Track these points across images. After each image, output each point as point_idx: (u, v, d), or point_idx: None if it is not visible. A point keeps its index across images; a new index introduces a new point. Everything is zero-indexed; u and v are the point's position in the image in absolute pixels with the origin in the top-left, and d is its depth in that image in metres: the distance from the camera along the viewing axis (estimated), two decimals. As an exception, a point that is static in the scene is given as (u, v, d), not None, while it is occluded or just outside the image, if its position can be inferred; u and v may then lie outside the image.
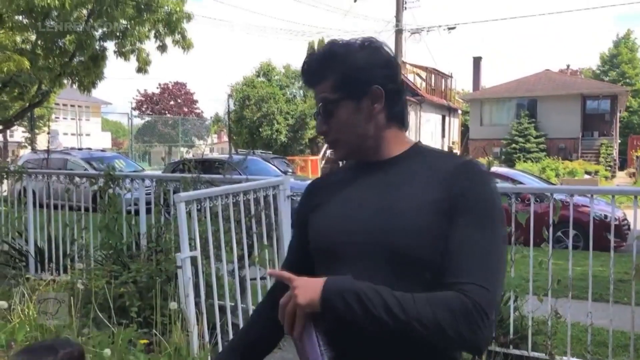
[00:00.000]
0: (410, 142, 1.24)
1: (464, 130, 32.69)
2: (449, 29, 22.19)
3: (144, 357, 3.00)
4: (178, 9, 11.50)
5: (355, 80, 1.16)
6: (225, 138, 30.19)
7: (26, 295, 3.65)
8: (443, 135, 31.87)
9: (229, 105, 23.28)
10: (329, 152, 26.93)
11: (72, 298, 3.58)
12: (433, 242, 1.07)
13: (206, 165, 9.14)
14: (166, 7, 11.42)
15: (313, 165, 22.48)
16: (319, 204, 1.26)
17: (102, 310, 3.54)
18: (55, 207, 5.43)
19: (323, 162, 25.61)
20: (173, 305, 3.09)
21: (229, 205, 3.70)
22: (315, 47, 20.68)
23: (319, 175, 22.31)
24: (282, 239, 4.15)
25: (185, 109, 44.38)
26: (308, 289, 1.04)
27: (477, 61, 32.94)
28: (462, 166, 1.14)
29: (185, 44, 12.74)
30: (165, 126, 35.31)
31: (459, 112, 34.89)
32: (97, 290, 3.69)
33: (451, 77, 34.47)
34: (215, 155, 22.53)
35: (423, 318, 0.99)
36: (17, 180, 5.83)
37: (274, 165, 13.53)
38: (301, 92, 26.29)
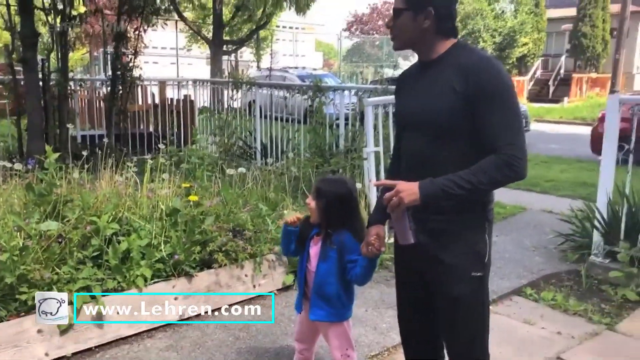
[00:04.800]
0: (452, 43, 1.71)
1: None
2: None
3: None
4: None
5: (418, 1, 1.68)
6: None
7: (255, 174, 4.85)
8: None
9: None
10: (538, 73, 25.03)
11: (286, 180, 4.69)
12: (457, 117, 1.63)
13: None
14: None
15: (519, 87, 21.14)
16: (399, 93, 1.90)
17: (307, 191, 4.57)
18: (275, 118, 6.68)
19: (531, 83, 23.97)
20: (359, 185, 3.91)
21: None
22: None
23: (524, 96, 21.08)
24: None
25: (393, 29, 44.45)
26: (410, 192, 1.60)
27: None
28: (478, 62, 1.63)
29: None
30: (372, 47, 36.28)
31: None
32: (304, 176, 4.73)
33: None
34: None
35: (482, 180, 1.58)
36: (247, 90, 7.23)
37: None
38: (512, 6, 24.52)
